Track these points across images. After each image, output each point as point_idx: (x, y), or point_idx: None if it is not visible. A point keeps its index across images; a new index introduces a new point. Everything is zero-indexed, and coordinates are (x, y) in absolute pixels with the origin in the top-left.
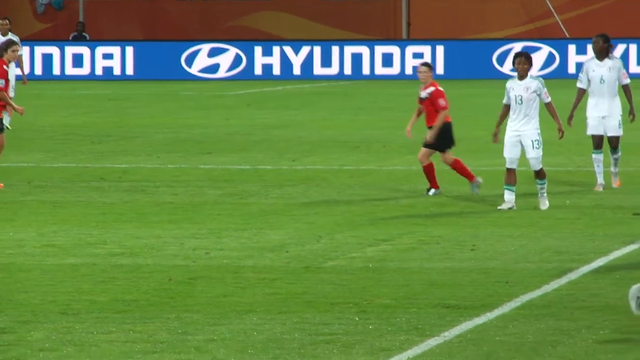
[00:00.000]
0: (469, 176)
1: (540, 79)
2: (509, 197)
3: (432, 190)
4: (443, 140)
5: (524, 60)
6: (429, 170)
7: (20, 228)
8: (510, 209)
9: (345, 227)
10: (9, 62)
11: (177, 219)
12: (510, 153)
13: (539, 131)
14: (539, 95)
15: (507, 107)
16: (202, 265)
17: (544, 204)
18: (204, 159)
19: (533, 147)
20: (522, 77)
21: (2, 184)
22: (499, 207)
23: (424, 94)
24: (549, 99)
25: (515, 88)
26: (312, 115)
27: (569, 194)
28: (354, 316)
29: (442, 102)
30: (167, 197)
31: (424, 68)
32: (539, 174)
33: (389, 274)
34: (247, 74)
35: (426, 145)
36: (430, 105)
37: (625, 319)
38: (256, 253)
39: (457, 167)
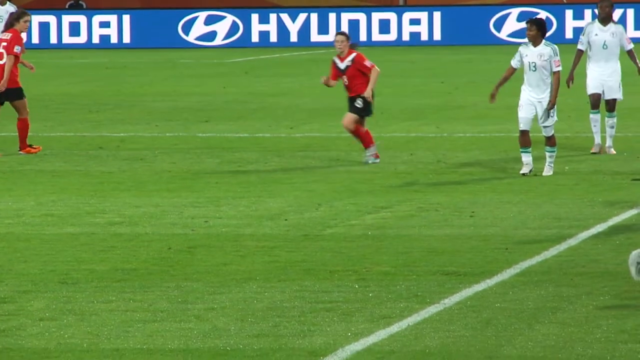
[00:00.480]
0: (368, 142)
1: (554, 46)
2: (527, 159)
3: (371, 148)
4: (369, 106)
5: (531, 27)
6: (358, 133)
7: (19, 197)
8: (530, 171)
9: (344, 194)
10: (21, 32)
11: (175, 188)
12: (525, 113)
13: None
14: (549, 62)
15: (512, 70)
16: (201, 234)
17: (548, 172)
18: (202, 127)
19: (549, 116)
20: (534, 43)
21: (1, 153)
22: (521, 172)
23: (344, 63)
24: (557, 69)
25: (529, 55)
26: (309, 82)
27: (567, 160)
28: (353, 284)
29: (369, 62)
30: (166, 165)
31: (341, 37)
32: (550, 141)
33: (388, 242)
34: (244, 42)
35: (358, 112)
36: (355, 73)
37: (625, 284)
38: (255, 221)
39: (358, 134)
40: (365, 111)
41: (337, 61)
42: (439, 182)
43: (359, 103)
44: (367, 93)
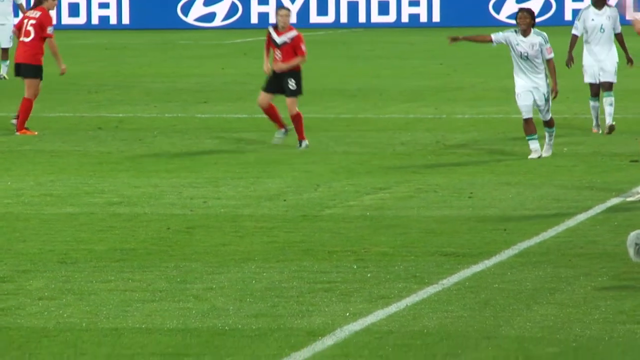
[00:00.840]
0: (300, 134)
1: (544, 34)
2: (534, 145)
3: (283, 131)
4: (299, 86)
5: (525, 15)
6: (271, 112)
7: (18, 177)
8: (539, 157)
9: (342, 175)
10: (49, 10)
11: (174, 168)
12: (524, 100)
13: (548, 82)
14: (541, 51)
15: (489, 40)
16: (200, 214)
17: (548, 151)
18: (201, 108)
19: (545, 99)
20: (525, 32)
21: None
22: (529, 157)
23: (282, 38)
24: (550, 56)
25: (521, 44)
26: (308, 63)
27: (566, 141)
28: (352, 264)
29: (304, 47)
30: (165, 146)
31: (285, 12)
32: (549, 122)
33: (387, 222)
34: (243, 23)
35: (292, 93)
36: (290, 50)
37: (623, 266)
38: (254, 202)
39: (298, 121)
40: (299, 91)
41: (274, 34)
42: (438, 163)
43: (292, 85)
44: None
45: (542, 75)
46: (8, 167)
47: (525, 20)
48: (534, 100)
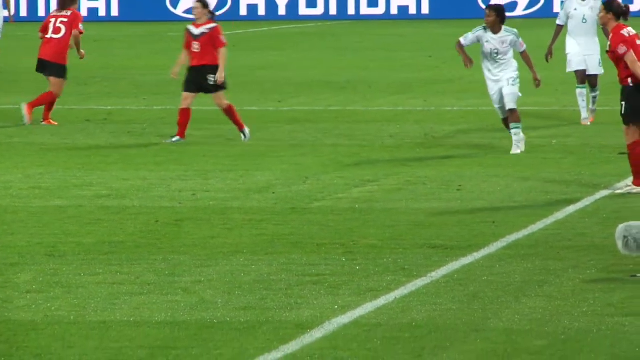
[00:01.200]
0: (239, 124)
1: (514, 30)
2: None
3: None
4: (224, 81)
5: (490, 13)
6: (232, 112)
7: (6, 170)
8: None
9: (331, 168)
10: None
11: (163, 161)
12: (499, 103)
13: (516, 71)
14: (513, 46)
15: (460, 46)
16: (188, 207)
17: (516, 150)
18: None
19: (508, 84)
20: (493, 30)
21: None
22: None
23: (199, 30)
24: (523, 48)
25: (491, 41)
26: (297, 55)
27: (554, 133)
28: (340, 257)
29: (223, 38)
30: (153, 138)
31: (197, 4)
32: (514, 116)
33: (375, 215)
34: (232, 15)
35: (216, 89)
36: (208, 41)
37: (611, 258)
38: (243, 194)
39: (231, 113)
40: (223, 85)
41: (192, 28)
42: (426, 156)
43: (211, 80)
44: (220, 76)
45: (511, 66)
46: (0, 161)
47: (490, 18)
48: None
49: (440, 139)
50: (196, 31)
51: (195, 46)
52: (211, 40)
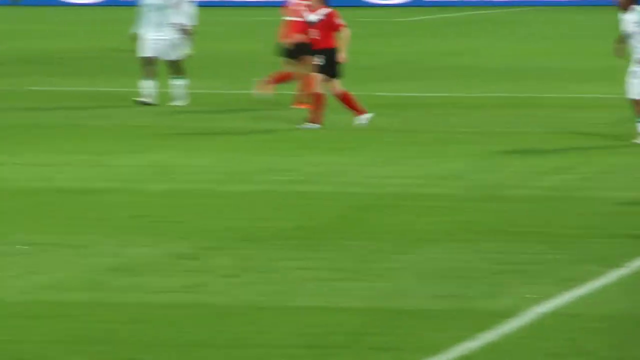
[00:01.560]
0: (356, 110)
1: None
2: None
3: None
4: (337, 66)
5: None
6: (348, 98)
7: (202, 155)
8: None
9: (525, 155)
10: None
11: (351, 147)
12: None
13: None
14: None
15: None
16: (380, 193)
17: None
18: (377, 87)
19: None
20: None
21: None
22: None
23: (314, 16)
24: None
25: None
26: (486, 42)
27: None
28: (538, 245)
29: (341, 20)
30: (347, 124)
31: None
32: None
33: (571, 203)
34: (418, 1)
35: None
36: (324, 28)
37: None
38: (434, 181)
39: (346, 99)
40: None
41: (306, 14)
42: (619, 144)
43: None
44: (342, 57)
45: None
46: (198, 146)
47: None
48: None
49: (631, 126)
50: (312, 17)
51: (314, 32)
52: (328, 25)
